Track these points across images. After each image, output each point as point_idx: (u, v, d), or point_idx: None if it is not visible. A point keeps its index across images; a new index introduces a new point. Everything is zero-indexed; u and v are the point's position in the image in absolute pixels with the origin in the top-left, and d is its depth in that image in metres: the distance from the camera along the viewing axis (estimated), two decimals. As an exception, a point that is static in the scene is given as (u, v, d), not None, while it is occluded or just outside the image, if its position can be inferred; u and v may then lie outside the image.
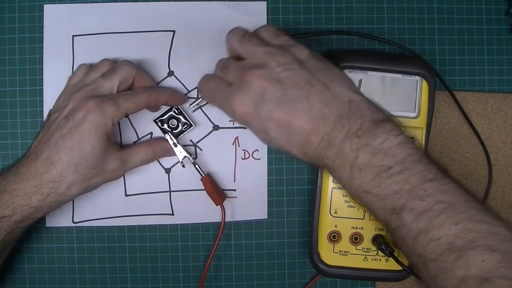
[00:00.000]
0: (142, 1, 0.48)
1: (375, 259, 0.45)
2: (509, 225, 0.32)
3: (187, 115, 0.47)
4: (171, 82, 0.48)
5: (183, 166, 0.47)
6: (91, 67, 0.44)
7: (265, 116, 0.36)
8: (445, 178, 0.34)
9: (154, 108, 0.46)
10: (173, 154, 0.46)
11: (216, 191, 0.46)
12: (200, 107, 0.45)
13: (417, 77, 0.44)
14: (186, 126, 0.46)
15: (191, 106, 0.46)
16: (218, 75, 0.41)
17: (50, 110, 0.44)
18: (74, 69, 0.47)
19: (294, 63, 0.37)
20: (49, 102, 0.46)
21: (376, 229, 0.45)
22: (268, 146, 0.48)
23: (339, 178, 0.36)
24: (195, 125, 0.47)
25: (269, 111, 0.36)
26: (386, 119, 0.36)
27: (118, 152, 0.42)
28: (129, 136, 0.47)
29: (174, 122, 0.47)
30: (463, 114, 0.49)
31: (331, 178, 0.45)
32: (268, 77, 0.36)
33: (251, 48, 0.38)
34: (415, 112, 0.44)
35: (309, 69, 0.37)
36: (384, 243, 0.43)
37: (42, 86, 0.47)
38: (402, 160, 0.34)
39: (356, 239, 0.45)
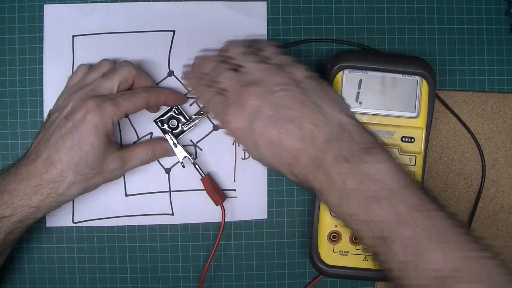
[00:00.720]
0: (142, 1, 0.48)
1: (375, 259, 0.45)
2: (495, 252, 0.32)
3: (187, 115, 0.47)
4: (171, 82, 0.48)
5: (183, 166, 0.47)
6: (91, 67, 0.44)
7: (257, 133, 0.36)
8: (432, 204, 0.33)
9: (154, 109, 0.46)
10: (173, 154, 0.46)
11: (216, 191, 0.46)
12: (195, 123, 0.46)
13: (417, 77, 0.44)
14: (186, 126, 0.46)
15: (193, 117, 0.46)
16: (209, 75, 0.40)
17: (50, 110, 0.44)
18: (74, 69, 0.47)
19: (290, 83, 0.37)
20: (49, 102, 0.46)
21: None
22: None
23: (326, 201, 0.36)
24: (195, 125, 0.47)
25: (261, 128, 0.36)
26: (375, 144, 0.35)
27: (118, 152, 0.42)
28: (129, 136, 0.47)
29: (174, 122, 0.47)
30: (448, 108, 0.49)
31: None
32: (264, 96, 0.36)
33: (251, 63, 0.39)
34: (415, 112, 0.44)
35: (304, 89, 0.37)
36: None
37: (42, 86, 0.47)
38: (389, 186, 0.33)
39: (356, 239, 0.45)
